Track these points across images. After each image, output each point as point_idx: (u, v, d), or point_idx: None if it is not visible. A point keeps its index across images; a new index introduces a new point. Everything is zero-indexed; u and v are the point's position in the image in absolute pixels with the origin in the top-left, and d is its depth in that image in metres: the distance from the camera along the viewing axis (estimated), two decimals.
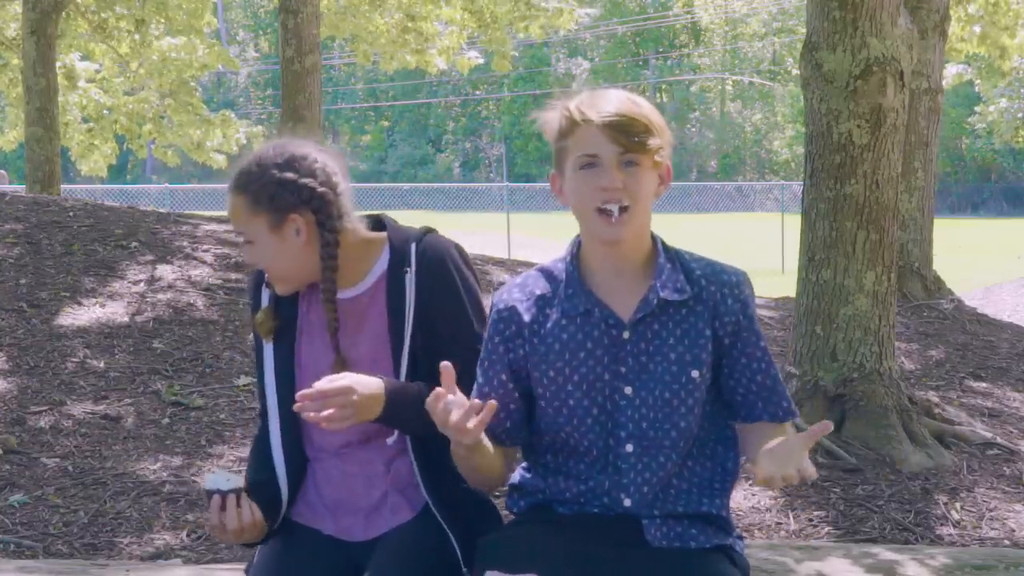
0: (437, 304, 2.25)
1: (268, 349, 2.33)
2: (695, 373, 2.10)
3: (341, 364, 2.24)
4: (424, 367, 2.22)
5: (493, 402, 2.00)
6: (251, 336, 2.52)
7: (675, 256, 2.16)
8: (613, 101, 2.06)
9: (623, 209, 2.05)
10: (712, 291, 2.13)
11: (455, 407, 1.97)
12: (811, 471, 1.91)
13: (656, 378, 2.10)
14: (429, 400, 1.98)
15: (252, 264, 2.31)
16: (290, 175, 2.22)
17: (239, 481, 2.16)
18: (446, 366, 1.98)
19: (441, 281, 2.26)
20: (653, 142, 2.05)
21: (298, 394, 2.09)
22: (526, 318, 2.15)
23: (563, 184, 2.12)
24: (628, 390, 2.11)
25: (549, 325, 2.14)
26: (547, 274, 2.19)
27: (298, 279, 2.29)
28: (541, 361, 2.13)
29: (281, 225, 2.24)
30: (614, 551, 2.07)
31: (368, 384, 2.13)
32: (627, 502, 2.12)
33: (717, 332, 2.12)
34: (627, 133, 2.03)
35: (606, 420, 2.12)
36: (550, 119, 2.13)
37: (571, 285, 2.14)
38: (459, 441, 2.01)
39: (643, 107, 2.07)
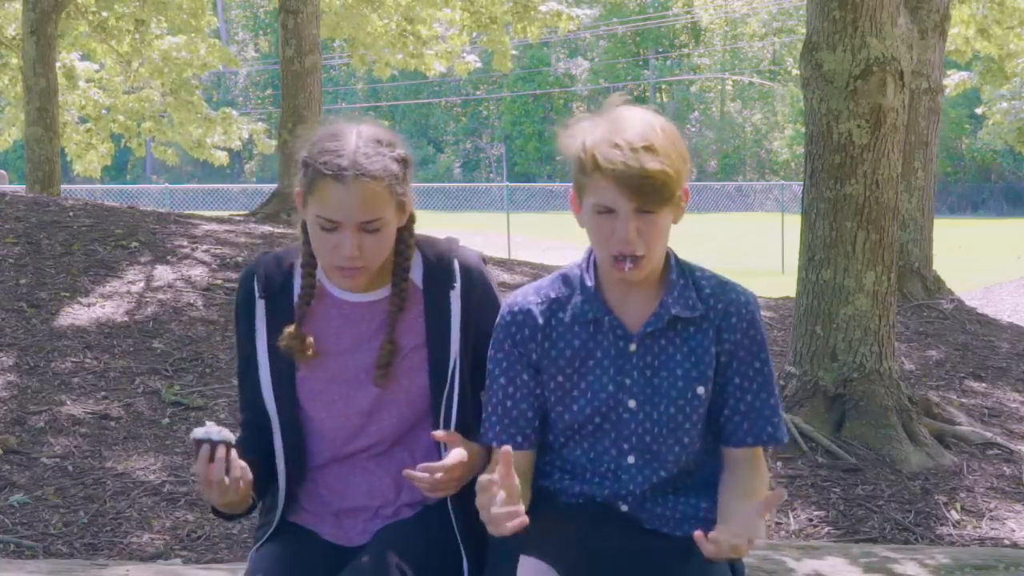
0: (483, 323, 2.25)
1: (264, 361, 2.26)
2: (700, 389, 2.11)
3: (389, 352, 2.22)
4: (466, 379, 2.24)
5: (525, 519, 1.91)
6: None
7: (688, 272, 2.15)
8: (628, 152, 1.96)
9: (637, 257, 2.03)
10: (719, 309, 2.12)
11: (501, 500, 1.91)
12: (760, 539, 1.92)
13: (661, 393, 2.11)
14: (482, 481, 1.92)
15: (362, 263, 2.15)
16: (401, 151, 2.19)
17: (230, 436, 2.09)
18: (506, 451, 1.95)
19: (486, 302, 2.27)
20: (672, 193, 2.00)
21: (422, 466, 2.07)
22: (540, 321, 2.15)
23: (581, 205, 2.08)
24: (632, 403, 2.12)
25: (561, 330, 2.15)
26: (564, 278, 2.19)
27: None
28: (551, 365, 2.14)
29: (403, 209, 2.19)
30: (615, 538, 2.10)
31: (471, 454, 2.14)
32: (623, 508, 2.15)
33: (718, 350, 2.12)
34: (643, 192, 1.98)
35: (610, 429, 2.13)
36: (570, 147, 2.07)
37: (584, 292, 2.14)
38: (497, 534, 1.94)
39: (662, 151, 1.98)
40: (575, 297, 2.15)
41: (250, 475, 2.11)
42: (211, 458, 2.06)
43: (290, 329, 2.24)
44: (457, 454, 2.09)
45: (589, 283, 2.14)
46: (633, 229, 2.00)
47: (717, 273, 2.19)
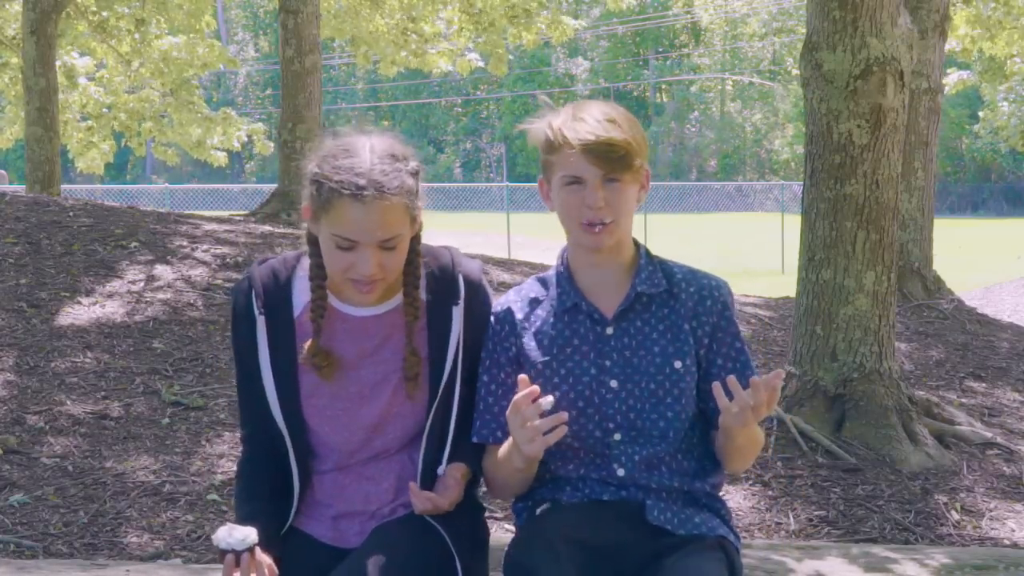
0: (480, 337, 2.30)
1: (268, 379, 2.25)
2: (678, 364, 2.22)
3: (414, 361, 2.23)
4: (460, 389, 2.27)
5: (564, 414, 2.07)
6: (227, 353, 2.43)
7: (657, 261, 2.30)
8: (593, 124, 2.13)
9: (606, 224, 2.17)
10: (691, 292, 2.27)
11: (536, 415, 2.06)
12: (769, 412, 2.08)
13: (641, 371, 2.22)
14: (520, 397, 2.05)
15: (379, 278, 2.15)
16: (413, 163, 2.17)
17: (252, 536, 2.09)
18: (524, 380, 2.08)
19: (485, 316, 2.31)
20: (634, 161, 2.15)
21: (427, 498, 2.17)
22: (519, 316, 2.28)
23: (550, 191, 2.24)
24: (613, 383, 2.22)
25: (539, 323, 2.27)
26: (541, 280, 2.34)
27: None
28: (531, 353, 2.25)
29: (415, 221, 2.19)
30: (617, 539, 2.14)
31: (462, 477, 2.23)
32: (620, 472, 2.21)
33: (696, 332, 2.24)
34: (607, 158, 2.13)
35: (593, 412, 2.22)
36: (536, 131, 2.23)
37: (561, 284, 2.28)
38: (527, 452, 2.08)
39: (622, 126, 2.15)
40: (551, 292, 2.29)
41: (274, 567, 2.13)
42: (237, 563, 2.07)
43: (308, 345, 2.22)
44: (445, 495, 2.20)
45: (565, 276, 2.27)
46: (601, 197, 2.15)
47: (688, 265, 2.34)
